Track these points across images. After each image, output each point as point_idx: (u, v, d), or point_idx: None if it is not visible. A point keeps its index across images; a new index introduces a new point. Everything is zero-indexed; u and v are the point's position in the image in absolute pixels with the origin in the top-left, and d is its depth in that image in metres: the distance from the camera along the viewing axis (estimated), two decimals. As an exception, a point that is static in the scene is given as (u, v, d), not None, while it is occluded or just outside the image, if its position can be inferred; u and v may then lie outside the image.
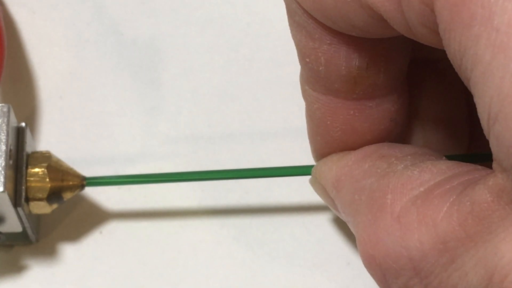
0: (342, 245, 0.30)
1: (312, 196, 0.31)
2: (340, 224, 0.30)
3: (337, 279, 0.30)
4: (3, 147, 0.26)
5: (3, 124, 0.27)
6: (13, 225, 0.28)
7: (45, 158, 0.28)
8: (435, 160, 0.23)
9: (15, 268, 0.30)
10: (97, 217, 0.30)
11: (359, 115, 0.25)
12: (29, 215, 0.28)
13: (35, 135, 0.31)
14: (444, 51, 0.19)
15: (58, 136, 0.32)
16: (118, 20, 0.34)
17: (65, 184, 0.28)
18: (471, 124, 0.28)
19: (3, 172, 0.26)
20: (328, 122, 0.25)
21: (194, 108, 0.32)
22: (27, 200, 0.28)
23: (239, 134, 0.32)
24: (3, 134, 0.27)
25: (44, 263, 0.30)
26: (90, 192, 0.30)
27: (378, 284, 0.22)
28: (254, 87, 0.33)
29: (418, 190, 0.21)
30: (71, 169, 0.29)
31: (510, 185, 0.18)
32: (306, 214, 0.30)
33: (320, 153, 0.27)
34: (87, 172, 0.29)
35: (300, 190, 0.31)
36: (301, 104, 0.32)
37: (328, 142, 0.26)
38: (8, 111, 0.27)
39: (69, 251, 0.30)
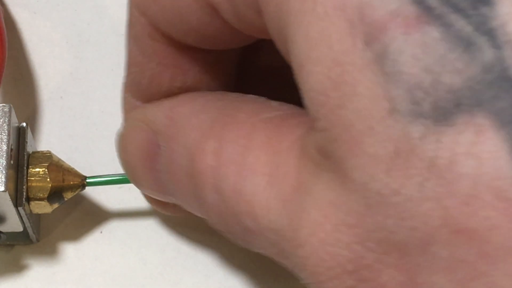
0: (342, 245, 0.30)
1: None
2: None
3: (337, 279, 0.30)
4: (4, 147, 0.27)
5: (4, 124, 0.27)
6: (14, 224, 0.28)
7: (46, 158, 0.28)
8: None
9: (15, 267, 0.30)
10: (97, 216, 0.30)
11: None
12: (30, 215, 0.28)
13: (35, 135, 0.31)
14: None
15: (59, 136, 0.32)
16: (118, 20, 0.34)
17: (66, 184, 0.28)
18: None
19: (4, 171, 0.26)
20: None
21: (194, 108, 0.32)
22: (28, 199, 0.28)
23: (239, 134, 0.32)
24: (4, 134, 0.27)
25: (44, 263, 0.30)
26: (91, 191, 0.30)
27: None
28: (254, 87, 0.33)
29: (274, 114, 0.21)
30: (72, 168, 0.29)
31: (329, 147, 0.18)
32: (306, 214, 0.30)
33: None
34: (87, 172, 0.29)
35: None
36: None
37: None
38: (9, 111, 0.27)
39: (69, 251, 0.30)
